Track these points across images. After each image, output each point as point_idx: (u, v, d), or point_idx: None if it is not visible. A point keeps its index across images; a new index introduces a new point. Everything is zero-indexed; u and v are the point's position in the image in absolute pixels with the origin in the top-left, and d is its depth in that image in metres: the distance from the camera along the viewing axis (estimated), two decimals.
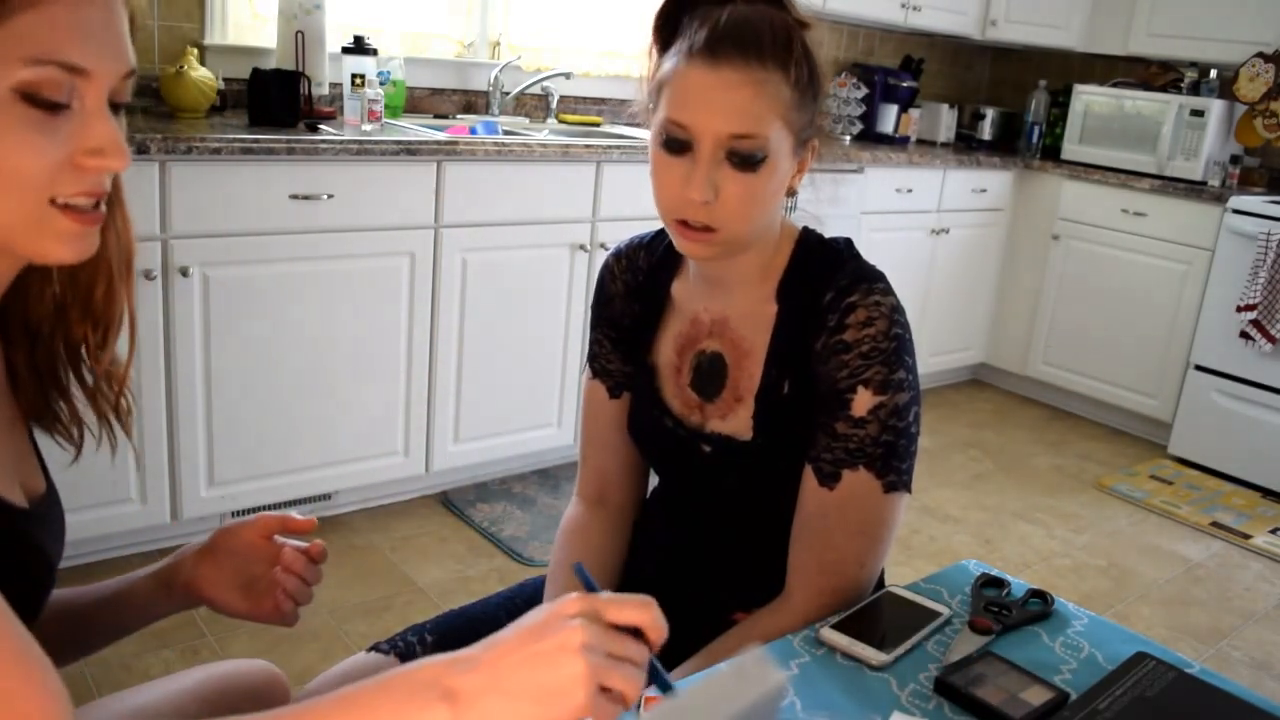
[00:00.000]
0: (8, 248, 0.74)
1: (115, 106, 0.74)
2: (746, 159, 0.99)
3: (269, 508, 2.47)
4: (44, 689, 0.64)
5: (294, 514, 1.00)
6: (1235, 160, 3.96)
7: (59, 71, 0.68)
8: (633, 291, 1.22)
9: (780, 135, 1.01)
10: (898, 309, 1.06)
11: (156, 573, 1.01)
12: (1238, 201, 3.61)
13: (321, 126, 2.53)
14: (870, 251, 1.17)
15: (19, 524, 0.79)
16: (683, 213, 1.02)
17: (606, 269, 1.25)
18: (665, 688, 0.66)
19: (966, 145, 4.54)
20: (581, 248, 2.90)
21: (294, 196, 2.34)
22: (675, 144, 1.01)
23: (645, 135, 1.08)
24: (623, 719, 0.71)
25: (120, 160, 0.73)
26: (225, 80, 2.64)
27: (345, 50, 2.73)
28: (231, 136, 2.22)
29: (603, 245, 2.92)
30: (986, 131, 4.59)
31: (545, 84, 3.33)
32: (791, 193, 1.10)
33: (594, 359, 1.27)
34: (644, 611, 0.65)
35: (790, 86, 1.00)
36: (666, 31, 1.06)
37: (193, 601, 1.01)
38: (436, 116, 3.14)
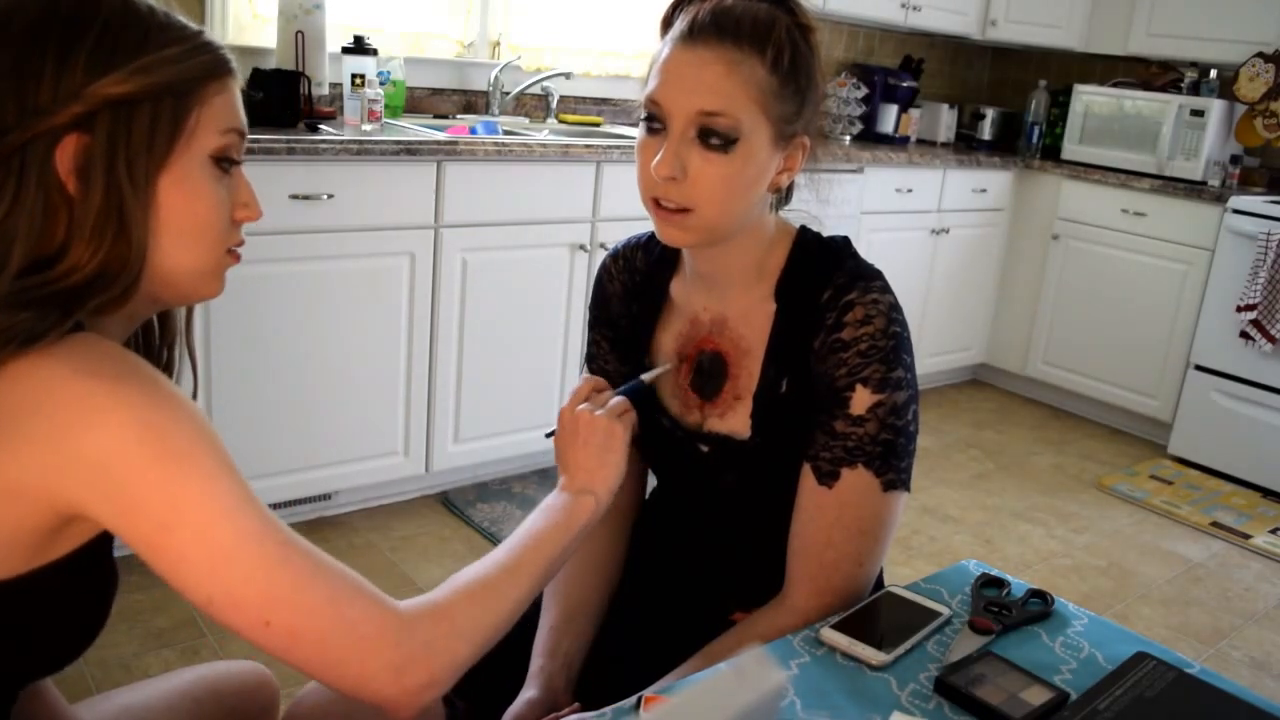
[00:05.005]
0: (172, 290, 0.85)
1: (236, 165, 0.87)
2: (716, 137, 0.99)
3: (269, 507, 2.46)
4: (373, 599, 0.80)
5: None
6: (1235, 160, 3.95)
7: (237, 136, 0.83)
8: (630, 292, 1.22)
9: (755, 120, 1.00)
10: (895, 307, 1.06)
11: None
12: (1238, 201, 3.61)
13: (321, 126, 2.53)
14: (870, 251, 1.17)
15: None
16: (655, 190, 1.02)
17: (604, 269, 1.25)
18: (638, 386, 1.11)
19: (966, 145, 4.54)
20: (581, 248, 2.90)
21: (294, 196, 2.34)
22: (652, 123, 1.02)
23: None
24: (622, 719, 0.84)
25: (259, 212, 0.87)
26: None
27: (345, 50, 2.72)
28: None
29: (603, 245, 2.91)
30: (986, 131, 4.58)
31: (545, 84, 3.33)
32: (777, 190, 1.08)
33: (592, 359, 1.27)
34: (600, 395, 1.07)
35: (768, 71, 1.00)
36: (668, 27, 1.07)
37: None
38: (436, 116, 3.14)
